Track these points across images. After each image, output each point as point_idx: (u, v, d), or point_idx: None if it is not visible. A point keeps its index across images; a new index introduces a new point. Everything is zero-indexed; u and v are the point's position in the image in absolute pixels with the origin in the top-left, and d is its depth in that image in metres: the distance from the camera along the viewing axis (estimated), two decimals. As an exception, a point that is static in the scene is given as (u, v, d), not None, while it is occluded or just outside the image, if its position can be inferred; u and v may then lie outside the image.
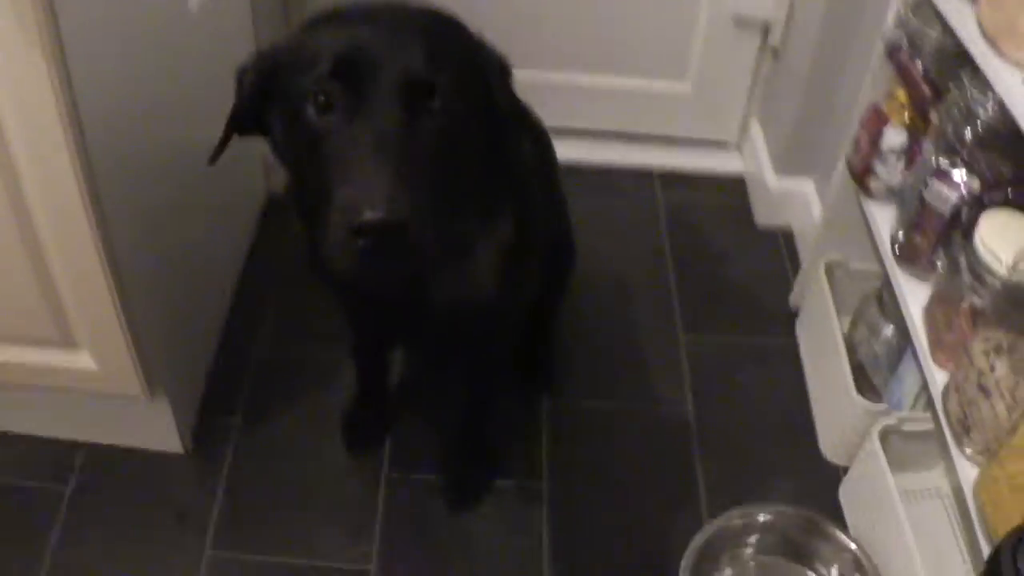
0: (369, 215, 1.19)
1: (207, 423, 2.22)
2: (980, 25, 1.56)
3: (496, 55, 1.46)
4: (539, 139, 1.95)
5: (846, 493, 2.10)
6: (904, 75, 1.89)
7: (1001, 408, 1.51)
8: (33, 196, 1.63)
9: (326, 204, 1.27)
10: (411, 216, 1.21)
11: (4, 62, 1.44)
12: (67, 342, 1.89)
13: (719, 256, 2.69)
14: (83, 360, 1.91)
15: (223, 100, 1.76)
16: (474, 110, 1.38)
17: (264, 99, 1.42)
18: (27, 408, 2.13)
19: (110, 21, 1.63)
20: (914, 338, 1.82)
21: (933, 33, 1.81)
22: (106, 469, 2.13)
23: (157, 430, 2.11)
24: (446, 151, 1.33)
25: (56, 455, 2.15)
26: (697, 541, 1.93)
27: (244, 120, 1.46)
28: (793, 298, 2.53)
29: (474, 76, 1.39)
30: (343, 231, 1.22)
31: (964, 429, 1.61)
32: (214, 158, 1.49)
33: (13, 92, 1.48)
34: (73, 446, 2.16)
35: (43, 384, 1.98)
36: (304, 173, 1.37)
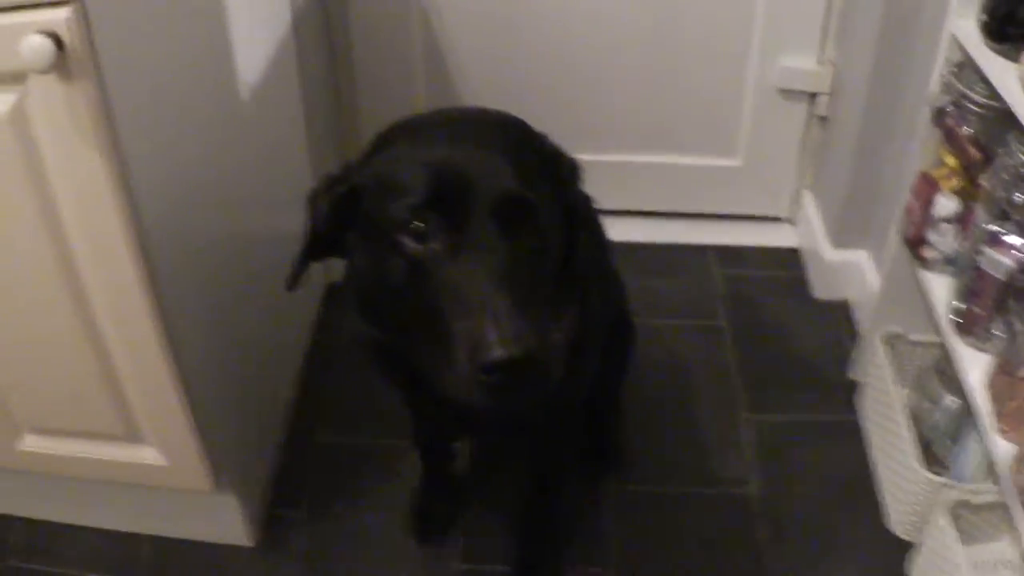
0: (501, 353, 1.19)
1: (274, 515, 2.22)
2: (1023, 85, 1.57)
3: (568, 158, 1.47)
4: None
5: (917, 570, 2.06)
6: (952, 140, 1.88)
7: (1065, 477, 1.49)
8: (95, 292, 1.65)
9: (437, 335, 1.27)
10: (538, 345, 1.22)
11: (62, 163, 1.48)
12: (133, 437, 1.90)
13: (778, 331, 2.68)
14: (149, 455, 1.93)
15: (277, 190, 1.80)
16: (558, 218, 1.39)
17: (341, 224, 1.42)
18: (94, 501, 2.14)
19: (165, 117, 1.67)
20: (976, 408, 1.79)
21: (978, 96, 1.80)
22: (173, 562, 2.14)
23: (224, 523, 2.12)
24: (543, 265, 1.35)
25: (123, 548, 2.16)
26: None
27: (319, 246, 1.46)
28: (853, 371, 2.51)
29: (555, 185, 1.41)
30: (472, 369, 1.22)
31: (1030, 499, 1.58)
32: (292, 285, 1.51)
33: (72, 190, 1.51)
34: (139, 539, 2.17)
35: (110, 478, 2.00)
36: (396, 297, 1.36)
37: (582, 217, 1.50)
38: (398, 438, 2.32)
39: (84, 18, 1.33)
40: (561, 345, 1.57)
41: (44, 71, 1.32)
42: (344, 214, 1.40)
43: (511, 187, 1.30)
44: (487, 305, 1.23)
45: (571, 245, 1.47)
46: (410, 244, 1.30)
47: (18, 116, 1.43)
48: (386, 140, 1.42)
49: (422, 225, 1.29)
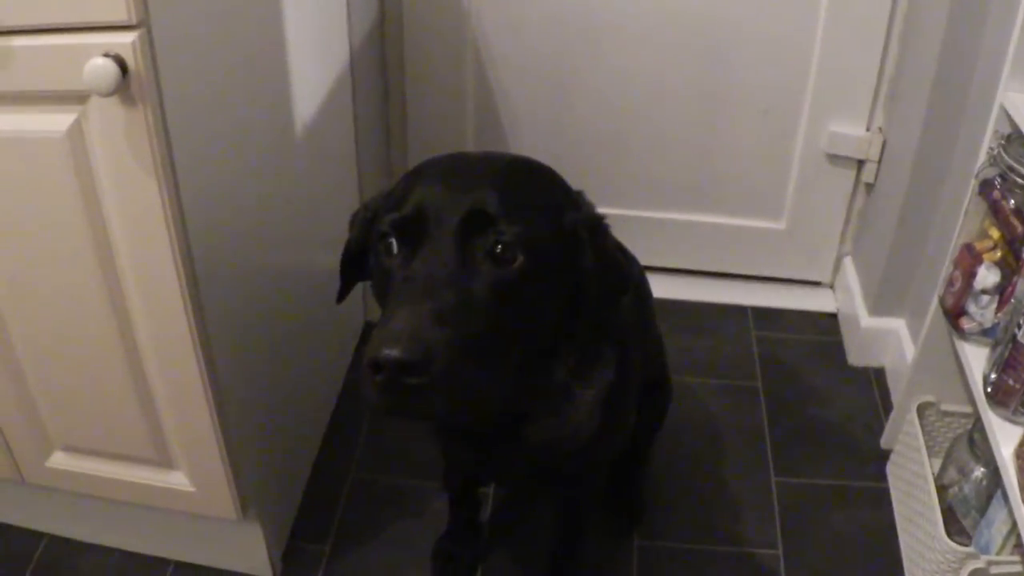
0: (385, 351, 1.20)
1: (297, 548, 2.23)
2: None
3: (588, 212, 1.46)
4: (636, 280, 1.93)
5: (935, 638, 2.05)
6: (997, 213, 1.88)
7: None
8: (139, 316, 1.67)
9: None
10: (429, 357, 1.21)
11: (117, 186, 1.50)
12: (164, 462, 1.92)
13: (811, 395, 2.67)
14: (179, 480, 1.94)
15: (324, 227, 1.82)
16: (552, 262, 1.38)
17: (366, 247, 1.47)
18: (120, 522, 2.16)
19: (221, 148, 1.69)
20: (1005, 480, 1.78)
21: (1025, 172, 1.82)
22: (193, 588, 2.15)
23: (247, 552, 2.12)
24: (514, 300, 1.33)
25: (145, 570, 2.17)
26: None
27: (351, 265, 1.52)
28: (885, 439, 2.50)
29: (555, 230, 1.40)
30: (366, 364, 1.23)
31: (1054, 572, 1.57)
32: (340, 298, 1.57)
33: (124, 214, 1.53)
34: (162, 562, 2.18)
35: (138, 500, 2.01)
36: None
37: (604, 279, 1.47)
38: (426, 480, 2.34)
39: (150, 44, 1.36)
40: (594, 403, 1.57)
41: (106, 94, 1.34)
42: (367, 235, 1.46)
43: (478, 209, 1.32)
44: (402, 308, 1.25)
45: (594, 300, 1.46)
46: (384, 256, 1.36)
47: (76, 136, 1.45)
48: (414, 170, 1.46)
49: (392, 239, 1.34)
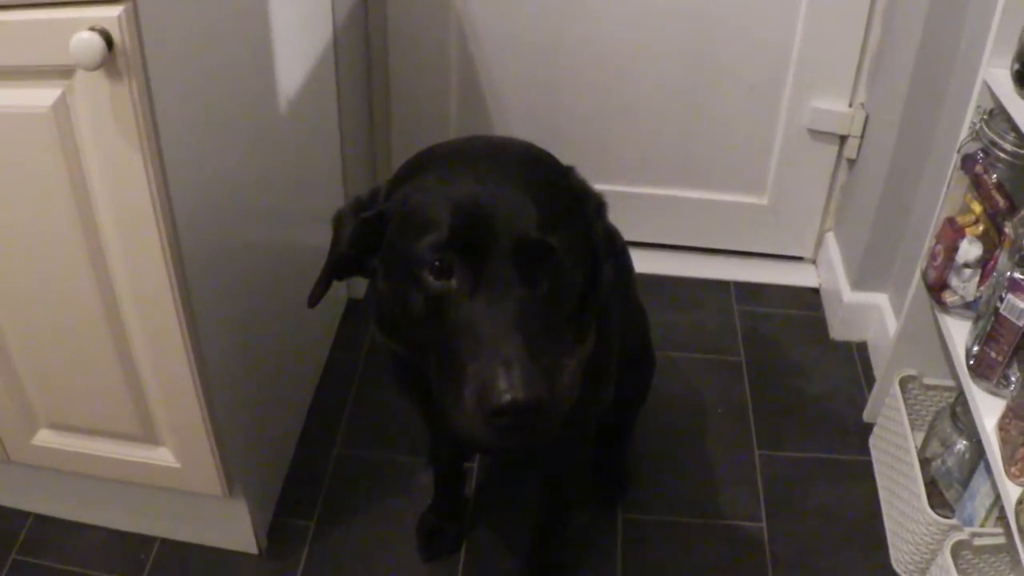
0: (507, 398, 1.21)
1: (282, 524, 2.23)
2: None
3: (594, 194, 1.47)
4: (618, 252, 1.93)
5: (920, 609, 2.07)
6: (979, 187, 1.89)
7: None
8: (124, 291, 1.67)
9: (450, 369, 1.29)
10: (547, 390, 1.24)
11: (102, 161, 1.50)
12: (150, 438, 1.91)
13: (794, 369, 2.68)
14: (165, 457, 1.94)
15: (308, 202, 1.81)
16: (581, 257, 1.39)
17: (365, 247, 1.43)
18: (104, 499, 2.15)
19: (206, 122, 1.69)
20: (988, 452, 1.80)
21: (1008, 144, 1.82)
22: (179, 564, 2.15)
23: (232, 529, 2.12)
24: (561, 305, 1.35)
25: (130, 548, 2.17)
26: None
27: (342, 266, 1.48)
28: (867, 412, 2.51)
29: (579, 223, 1.41)
30: (480, 411, 1.24)
31: (1037, 543, 1.58)
32: (313, 301, 1.53)
33: (109, 189, 1.53)
34: (147, 540, 2.18)
35: (123, 478, 2.01)
36: (415, 324, 1.37)
37: (605, 251, 1.49)
38: (411, 455, 2.34)
39: (135, 17, 1.35)
40: (575, 372, 1.58)
41: (92, 68, 1.34)
42: (369, 238, 1.41)
43: (532, 232, 1.30)
44: (499, 348, 1.25)
45: (593, 279, 1.47)
46: (430, 280, 1.31)
47: (61, 111, 1.45)
48: (415, 169, 1.42)
49: (442, 264, 1.30)
